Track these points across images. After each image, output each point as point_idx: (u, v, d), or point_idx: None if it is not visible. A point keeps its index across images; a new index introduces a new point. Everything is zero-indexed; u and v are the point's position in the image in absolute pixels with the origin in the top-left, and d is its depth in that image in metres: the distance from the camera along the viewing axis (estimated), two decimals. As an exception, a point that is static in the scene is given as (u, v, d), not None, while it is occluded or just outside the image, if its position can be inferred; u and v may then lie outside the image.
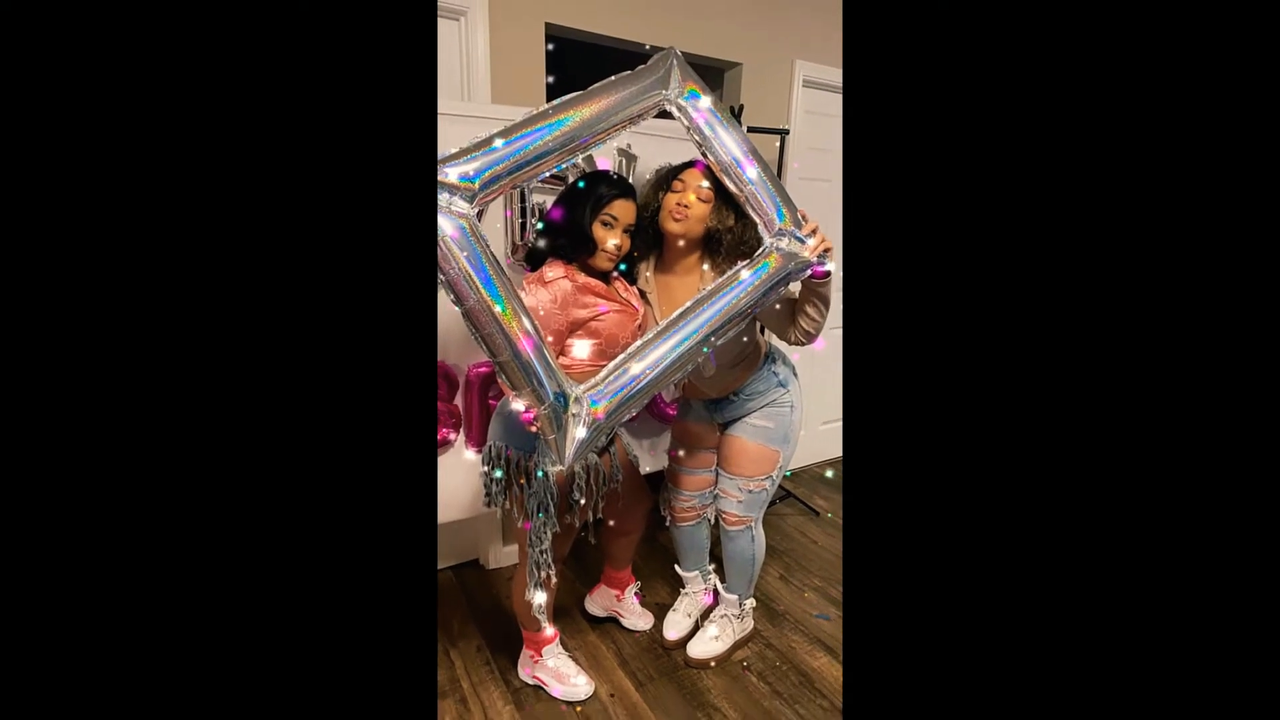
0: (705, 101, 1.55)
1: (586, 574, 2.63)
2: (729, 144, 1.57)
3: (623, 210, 1.65)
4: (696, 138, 1.57)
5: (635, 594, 2.32)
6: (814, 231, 1.60)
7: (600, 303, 1.63)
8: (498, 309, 1.29)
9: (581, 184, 1.65)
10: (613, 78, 1.47)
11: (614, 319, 1.64)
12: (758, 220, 1.61)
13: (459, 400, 2.00)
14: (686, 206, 1.68)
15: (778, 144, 2.80)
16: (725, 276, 1.55)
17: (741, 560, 2.09)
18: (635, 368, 1.44)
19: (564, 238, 1.64)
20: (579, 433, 1.37)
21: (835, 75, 3.23)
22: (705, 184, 1.68)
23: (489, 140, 1.32)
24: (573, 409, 1.38)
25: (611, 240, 1.64)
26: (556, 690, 1.98)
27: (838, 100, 3.28)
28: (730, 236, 1.68)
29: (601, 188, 1.64)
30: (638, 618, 2.32)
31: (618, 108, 1.44)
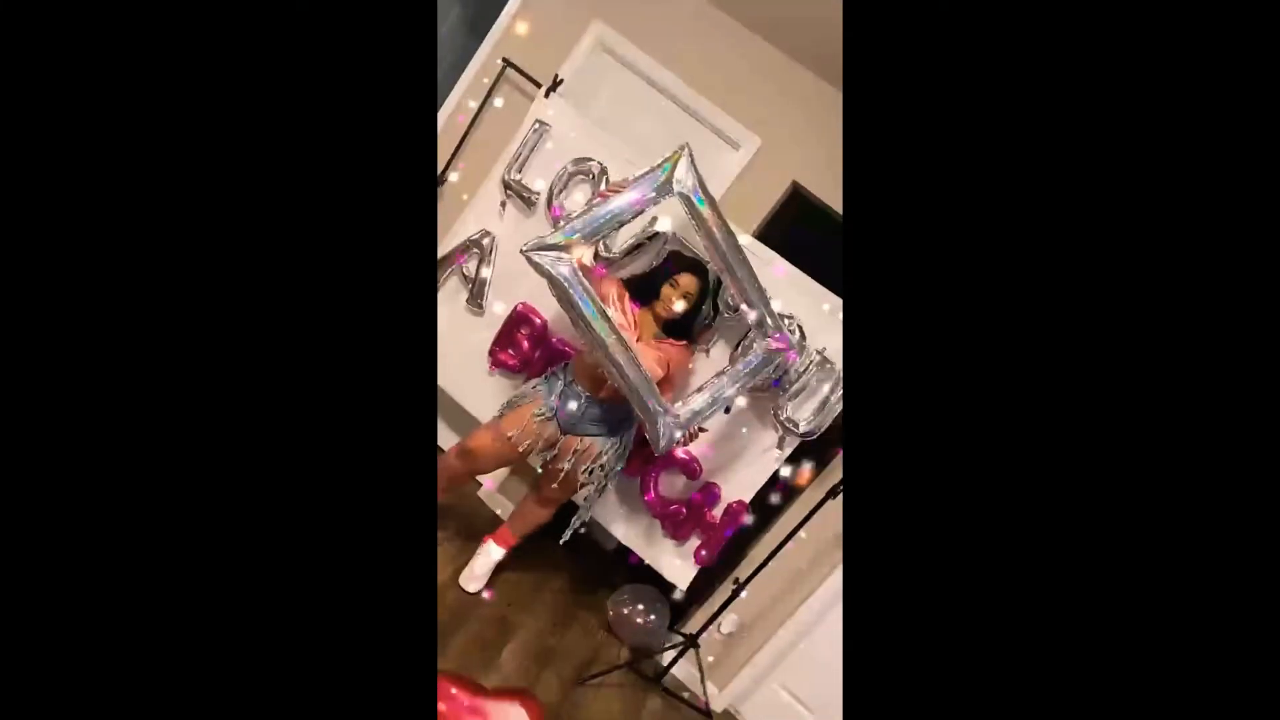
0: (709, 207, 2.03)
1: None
2: (731, 256, 2.06)
3: (688, 282, 2.21)
4: (699, 236, 2.05)
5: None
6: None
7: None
8: (611, 340, 1.94)
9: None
10: (642, 174, 2.00)
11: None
12: (746, 313, 2.14)
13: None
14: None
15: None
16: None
17: None
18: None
19: (638, 281, 2.30)
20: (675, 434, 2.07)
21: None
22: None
23: (570, 218, 1.98)
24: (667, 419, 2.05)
25: (678, 304, 2.21)
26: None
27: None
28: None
29: (673, 261, 2.28)
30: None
31: (639, 202, 1.99)
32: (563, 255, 1.89)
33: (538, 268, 1.88)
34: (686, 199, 1.99)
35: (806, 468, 2.47)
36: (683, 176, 1.98)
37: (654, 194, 1.98)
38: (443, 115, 2.83)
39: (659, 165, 1.99)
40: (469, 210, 2.59)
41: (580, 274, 1.91)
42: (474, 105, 2.73)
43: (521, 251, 1.90)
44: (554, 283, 1.89)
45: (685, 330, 2.30)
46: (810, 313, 2.33)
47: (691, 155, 1.99)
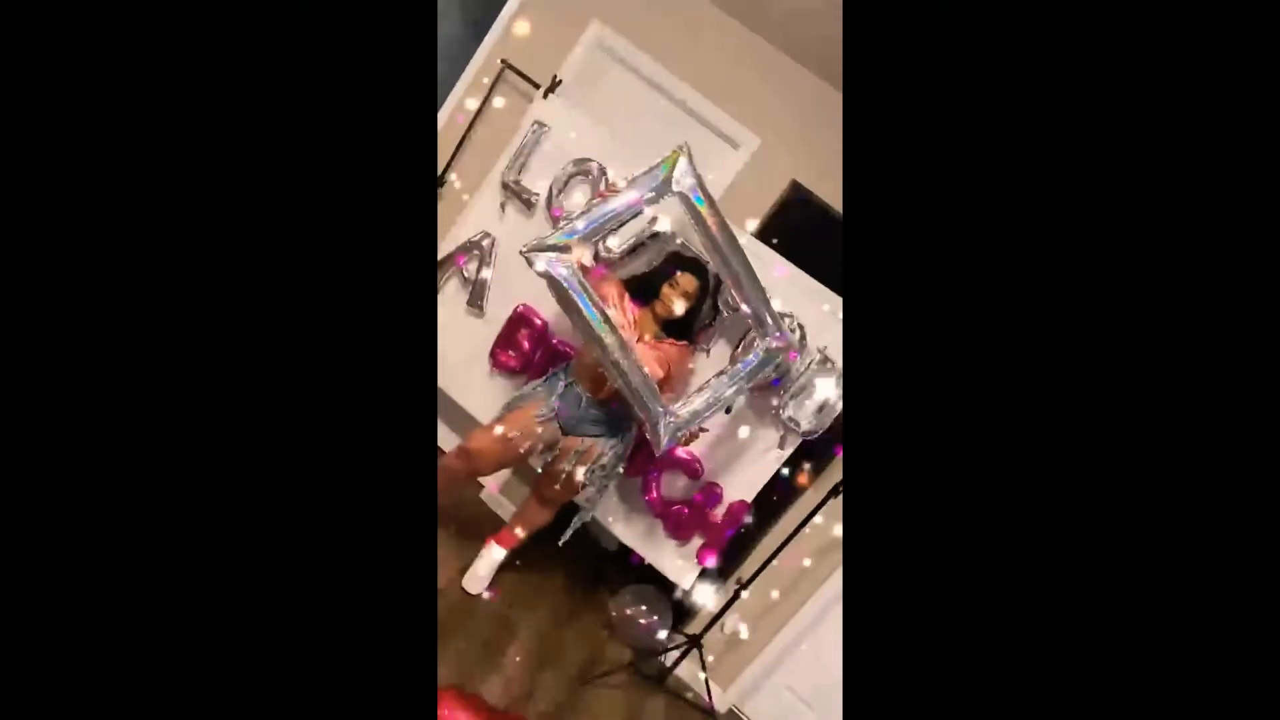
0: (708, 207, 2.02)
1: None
2: (731, 255, 2.04)
3: (688, 281, 2.22)
4: (698, 235, 2.05)
5: None
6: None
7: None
8: (611, 341, 1.93)
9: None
10: (641, 174, 2.00)
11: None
12: (746, 313, 2.13)
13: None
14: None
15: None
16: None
17: None
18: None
19: (638, 280, 2.29)
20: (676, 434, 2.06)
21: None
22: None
23: (570, 219, 1.99)
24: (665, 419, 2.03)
25: (677, 304, 2.20)
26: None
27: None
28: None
29: (673, 260, 2.28)
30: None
31: (638, 202, 2.00)
32: (562, 256, 1.90)
33: (537, 268, 1.89)
34: (686, 198, 1.99)
35: (808, 467, 2.47)
36: (682, 176, 1.98)
37: (653, 193, 1.98)
38: (442, 116, 2.83)
39: (658, 165, 1.98)
40: (469, 211, 2.59)
41: (580, 274, 1.91)
42: (473, 106, 2.72)
43: (521, 252, 1.90)
44: (554, 283, 1.90)
45: (685, 330, 2.30)
46: (810, 312, 2.33)
47: (690, 155, 1.99)
